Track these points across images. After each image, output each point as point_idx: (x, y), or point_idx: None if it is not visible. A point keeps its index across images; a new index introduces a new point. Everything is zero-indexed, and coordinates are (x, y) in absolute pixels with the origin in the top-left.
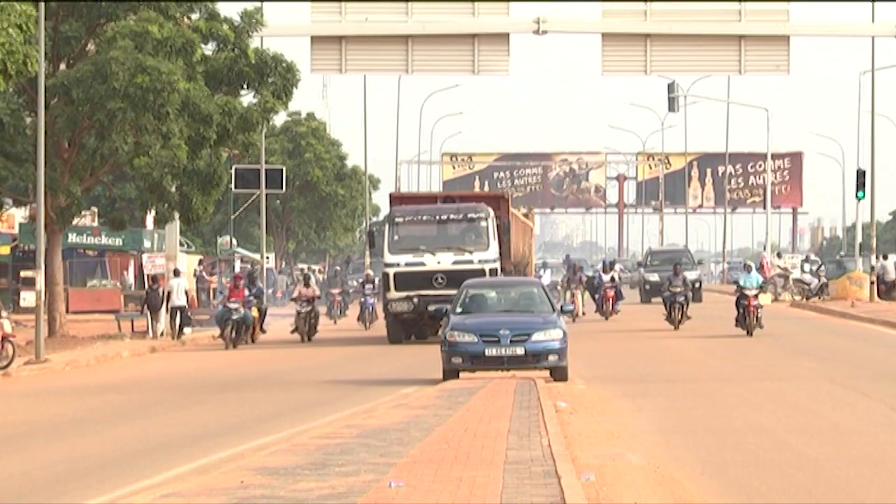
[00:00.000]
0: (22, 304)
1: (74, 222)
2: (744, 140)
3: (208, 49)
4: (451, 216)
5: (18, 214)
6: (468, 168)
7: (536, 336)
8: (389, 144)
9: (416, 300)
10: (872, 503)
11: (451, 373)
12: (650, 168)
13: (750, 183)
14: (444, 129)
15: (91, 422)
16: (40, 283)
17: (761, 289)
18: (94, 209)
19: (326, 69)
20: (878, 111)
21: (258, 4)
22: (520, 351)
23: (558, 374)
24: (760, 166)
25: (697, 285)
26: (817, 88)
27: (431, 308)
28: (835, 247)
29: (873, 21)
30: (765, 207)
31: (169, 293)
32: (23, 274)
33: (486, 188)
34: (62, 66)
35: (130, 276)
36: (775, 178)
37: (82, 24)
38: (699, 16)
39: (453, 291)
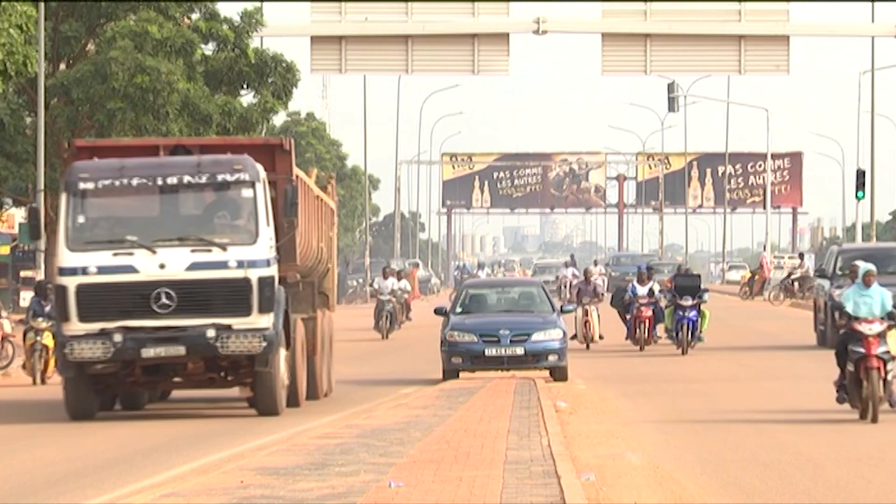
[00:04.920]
0: (22, 304)
1: None
2: (744, 140)
3: (208, 49)
4: (188, 179)
5: (18, 214)
6: (468, 168)
7: (536, 336)
8: (389, 144)
9: (119, 338)
10: (872, 503)
11: (450, 373)
12: (650, 168)
13: (750, 183)
14: (444, 129)
15: (91, 422)
16: None
17: (893, 319)
18: None
19: (326, 69)
20: (878, 111)
21: (258, 4)
22: (520, 351)
23: (558, 374)
24: (760, 166)
25: None
26: (817, 88)
27: (150, 353)
28: None
29: (873, 21)
30: (765, 207)
31: None
32: (23, 274)
33: (487, 189)
34: (62, 67)
35: None
36: (775, 178)
37: (82, 24)
38: (699, 16)
39: (191, 322)
